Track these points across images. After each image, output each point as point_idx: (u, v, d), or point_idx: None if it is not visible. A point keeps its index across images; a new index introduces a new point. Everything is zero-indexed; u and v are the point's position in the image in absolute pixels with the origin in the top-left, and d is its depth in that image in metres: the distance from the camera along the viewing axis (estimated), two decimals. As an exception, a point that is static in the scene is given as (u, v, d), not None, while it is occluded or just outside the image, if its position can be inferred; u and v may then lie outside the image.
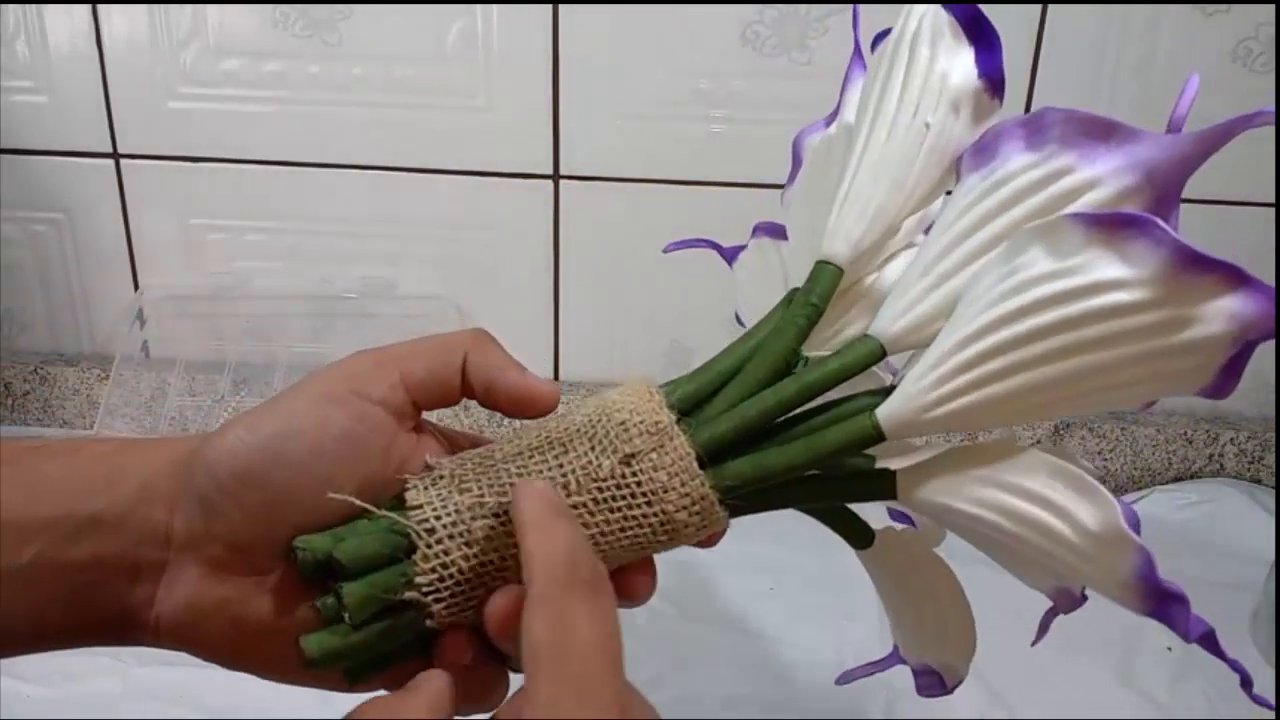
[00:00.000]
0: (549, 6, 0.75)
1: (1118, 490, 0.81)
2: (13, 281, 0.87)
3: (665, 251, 0.48)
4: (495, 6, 0.75)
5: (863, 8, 0.40)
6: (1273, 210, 0.75)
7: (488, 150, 0.79)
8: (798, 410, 0.34)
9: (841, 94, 0.41)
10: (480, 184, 0.80)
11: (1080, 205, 0.30)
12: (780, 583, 0.67)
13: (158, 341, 0.85)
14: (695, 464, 0.31)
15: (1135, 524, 0.31)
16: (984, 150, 0.33)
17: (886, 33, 0.37)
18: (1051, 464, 0.31)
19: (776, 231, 0.44)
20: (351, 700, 0.29)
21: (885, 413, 0.31)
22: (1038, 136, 0.31)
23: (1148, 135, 0.30)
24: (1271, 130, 0.75)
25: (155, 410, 0.83)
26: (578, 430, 0.32)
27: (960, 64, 0.34)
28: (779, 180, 0.42)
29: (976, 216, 0.32)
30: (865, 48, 0.41)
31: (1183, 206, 0.75)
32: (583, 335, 0.85)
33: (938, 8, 0.34)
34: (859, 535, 0.39)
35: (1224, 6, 0.72)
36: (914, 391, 0.31)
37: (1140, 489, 0.81)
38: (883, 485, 0.34)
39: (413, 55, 0.77)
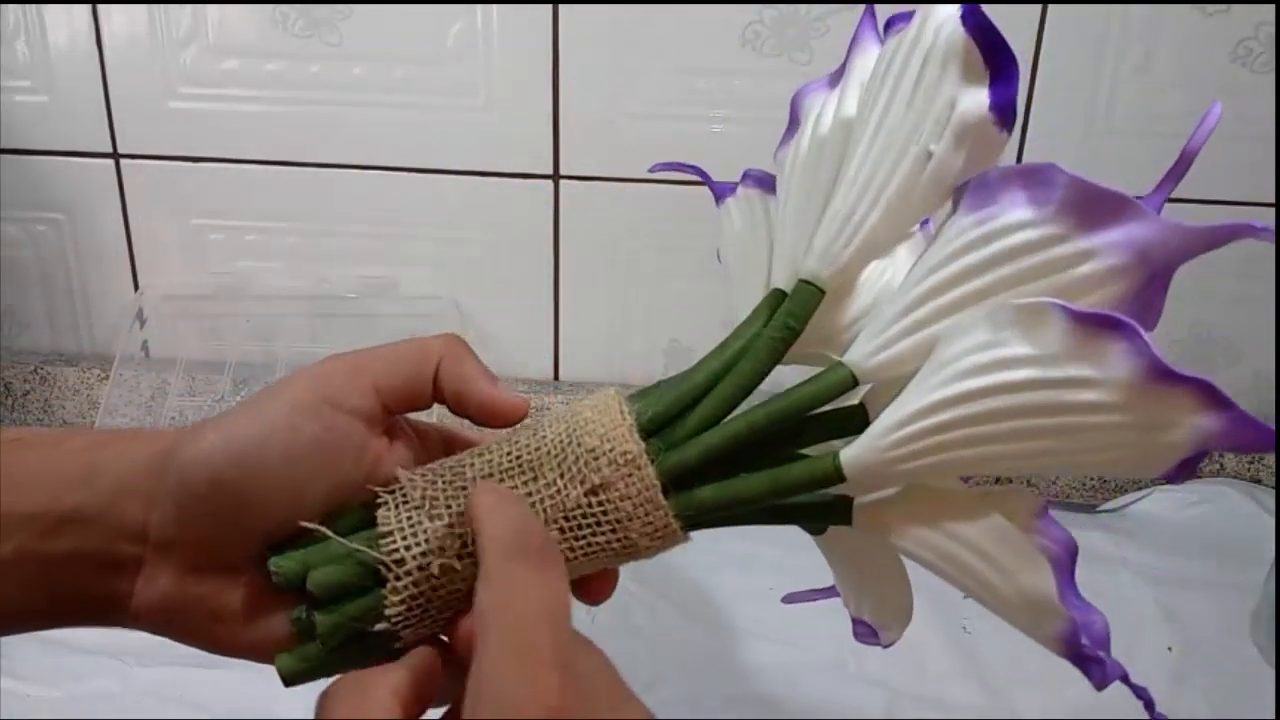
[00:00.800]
0: (549, 6, 0.75)
1: (1118, 490, 0.82)
2: (13, 281, 0.87)
3: (650, 171, 0.48)
4: (495, 6, 0.75)
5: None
6: (1273, 210, 0.75)
7: (488, 150, 0.79)
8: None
9: (848, 56, 0.39)
10: (480, 184, 0.80)
11: (1072, 275, 0.30)
12: (780, 583, 0.67)
13: (158, 341, 0.85)
14: (660, 495, 0.32)
15: (1070, 562, 0.33)
16: (983, 190, 0.32)
17: (904, 17, 0.35)
18: (1004, 528, 0.33)
19: (766, 184, 0.43)
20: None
21: (849, 457, 0.32)
22: (1040, 193, 0.30)
23: (1149, 217, 0.29)
24: (1271, 130, 0.75)
25: (155, 410, 0.83)
26: (547, 453, 0.32)
27: (971, 92, 0.32)
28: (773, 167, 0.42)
29: (965, 266, 0.31)
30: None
31: (1183, 206, 0.75)
32: (583, 335, 0.85)
33: (958, 24, 0.32)
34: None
35: (1224, 6, 0.72)
36: (879, 446, 0.31)
37: (1140, 489, 0.81)
38: (839, 514, 0.35)
39: (413, 55, 0.77)
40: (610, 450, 0.32)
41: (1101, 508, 0.80)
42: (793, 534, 0.67)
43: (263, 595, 0.32)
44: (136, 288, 0.86)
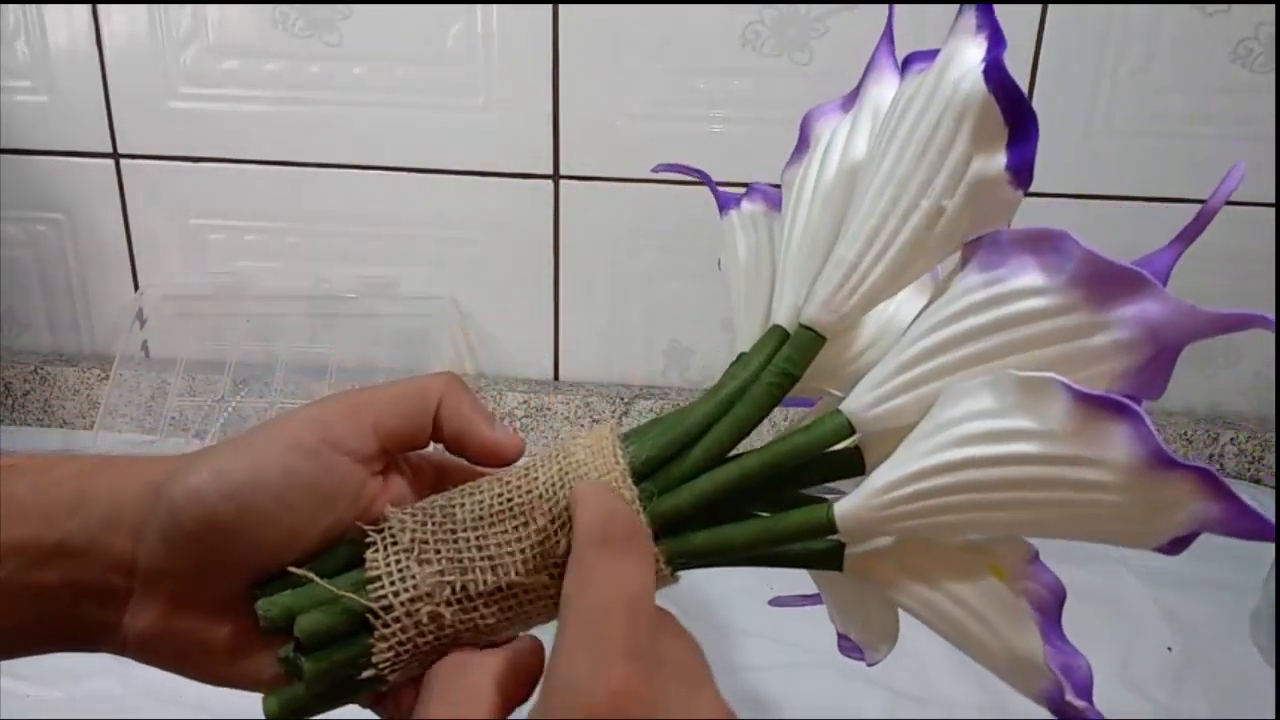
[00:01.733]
0: (549, 6, 0.75)
1: (1118, 490, 0.82)
2: (13, 281, 0.87)
3: (653, 171, 0.47)
4: (495, 6, 0.75)
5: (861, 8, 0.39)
6: (1273, 210, 0.75)
7: (488, 150, 0.79)
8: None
9: (863, 82, 0.38)
10: (480, 184, 0.80)
11: (1079, 346, 0.30)
12: (780, 583, 0.67)
13: (158, 341, 0.85)
14: (651, 542, 0.31)
15: (1058, 607, 0.34)
16: (995, 251, 0.31)
17: (925, 55, 0.34)
18: (995, 587, 0.34)
19: (772, 200, 0.42)
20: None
21: (843, 511, 0.32)
22: (1052, 261, 0.30)
23: (1162, 296, 0.29)
24: (1271, 130, 0.75)
25: (155, 410, 0.83)
26: (539, 496, 0.32)
27: (988, 150, 0.31)
28: (780, 180, 0.42)
29: (971, 327, 0.31)
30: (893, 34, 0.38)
31: (1183, 205, 0.75)
32: (583, 335, 0.85)
33: (979, 79, 0.31)
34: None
35: (1224, 6, 0.72)
36: (875, 503, 0.31)
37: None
38: (831, 560, 0.35)
39: (413, 55, 0.77)
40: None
41: (1101, 508, 0.80)
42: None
43: (250, 631, 0.32)
44: (136, 288, 0.86)
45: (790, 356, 0.35)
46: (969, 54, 0.31)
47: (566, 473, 0.32)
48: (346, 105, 0.79)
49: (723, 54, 0.75)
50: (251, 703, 0.56)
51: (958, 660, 0.60)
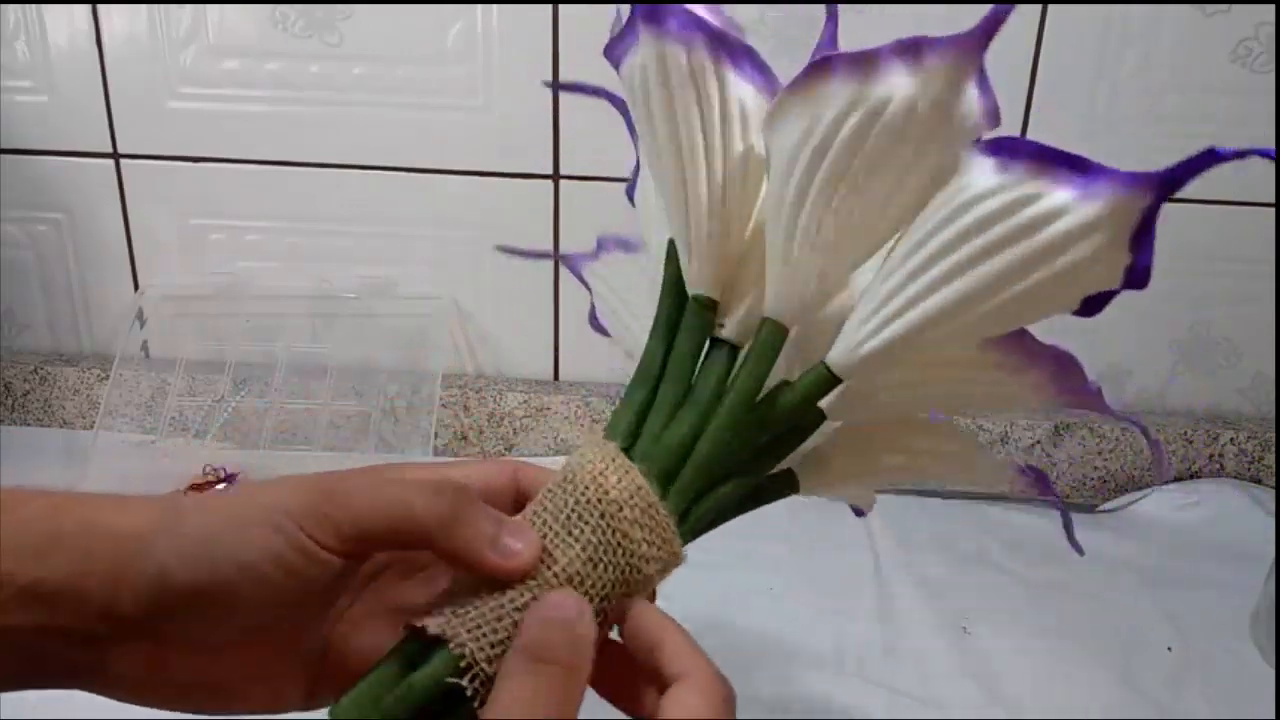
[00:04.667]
0: (549, 6, 0.75)
1: (1118, 490, 0.82)
2: (13, 281, 0.87)
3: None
4: (495, 6, 0.75)
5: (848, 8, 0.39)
6: (1273, 210, 0.75)
7: (488, 150, 0.79)
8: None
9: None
10: (480, 184, 0.80)
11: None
12: (780, 582, 0.67)
13: (158, 341, 0.85)
14: (682, 553, 0.33)
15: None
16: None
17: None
18: (967, 438, 0.39)
19: (628, 247, 0.47)
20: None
21: (834, 356, 0.33)
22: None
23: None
24: (1271, 130, 0.75)
25: (155, 410, 0.83)
26: (590, 560, 0.32)
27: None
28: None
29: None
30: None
31: (1183, 207, 0.75)
32: (583, 335, 0.85)
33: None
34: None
35: (1224, 6, 0.72)
36: (861, 334, 0.33)
37: (1140, 489, 0.81)
38: (788, 485, 0.39)
39: (413, 55, 0.77)
40: (658, 555, 0.33)
41: (1101, 508, 0.80)
42: (793, 534, 0.66)
43: (246, 666, 0.32)
44: (136, 288, 0.86)
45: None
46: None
47: (614, 530, 0.32)
48: (346, 105, 0.79)
49: (723, 54, 0.75)
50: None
51: (958, 660, 0.61)
